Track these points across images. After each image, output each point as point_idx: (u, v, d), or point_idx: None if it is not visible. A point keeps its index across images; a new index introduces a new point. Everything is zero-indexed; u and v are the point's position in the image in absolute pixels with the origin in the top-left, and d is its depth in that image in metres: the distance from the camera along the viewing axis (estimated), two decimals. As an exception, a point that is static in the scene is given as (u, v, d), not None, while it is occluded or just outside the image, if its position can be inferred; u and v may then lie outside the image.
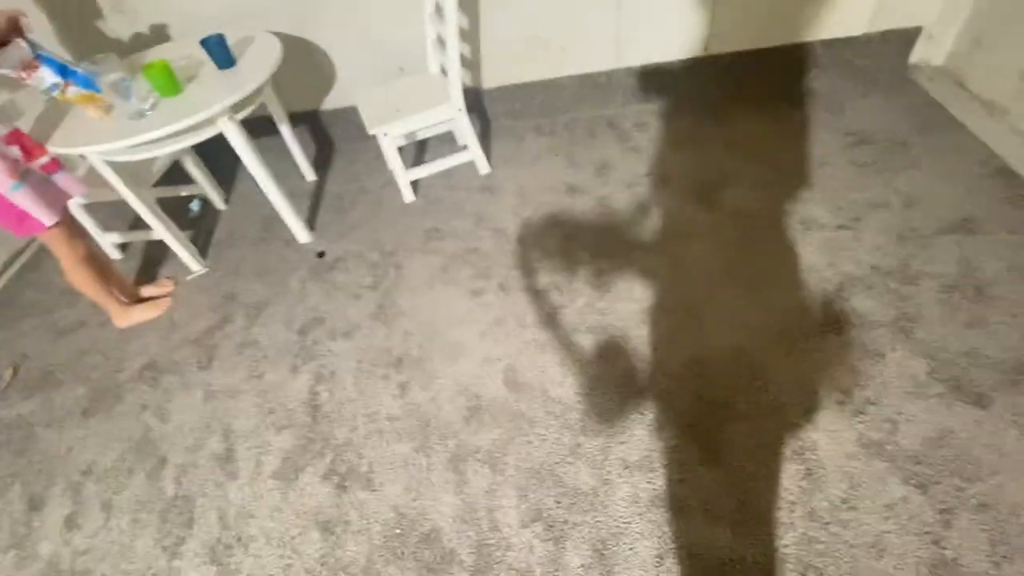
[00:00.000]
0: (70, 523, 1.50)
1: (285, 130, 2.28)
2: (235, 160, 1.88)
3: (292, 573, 1.30)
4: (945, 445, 1.22)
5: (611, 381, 1.49)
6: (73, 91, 1.61)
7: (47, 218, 1.57)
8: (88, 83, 1.62)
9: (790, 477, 1.23)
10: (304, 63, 2.35)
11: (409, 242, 2.07)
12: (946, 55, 2.09)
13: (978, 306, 1.44)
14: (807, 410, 1.33)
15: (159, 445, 1.62)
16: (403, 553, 1.28)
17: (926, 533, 1.11)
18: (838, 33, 2.17)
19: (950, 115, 1.99)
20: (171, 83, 1.69)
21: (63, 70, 1.58)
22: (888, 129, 2.01)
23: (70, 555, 1.44)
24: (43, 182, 1.58)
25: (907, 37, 2.16)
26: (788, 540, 1.15)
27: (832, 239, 1.69)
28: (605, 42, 2.25)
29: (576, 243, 1.89)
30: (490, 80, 2.43)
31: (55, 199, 1.60)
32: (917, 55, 2.18)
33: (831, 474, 1.22)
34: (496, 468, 1.38)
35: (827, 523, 1.16)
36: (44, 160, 1.60)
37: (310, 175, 2.48)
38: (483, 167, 2.28)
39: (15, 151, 1.51)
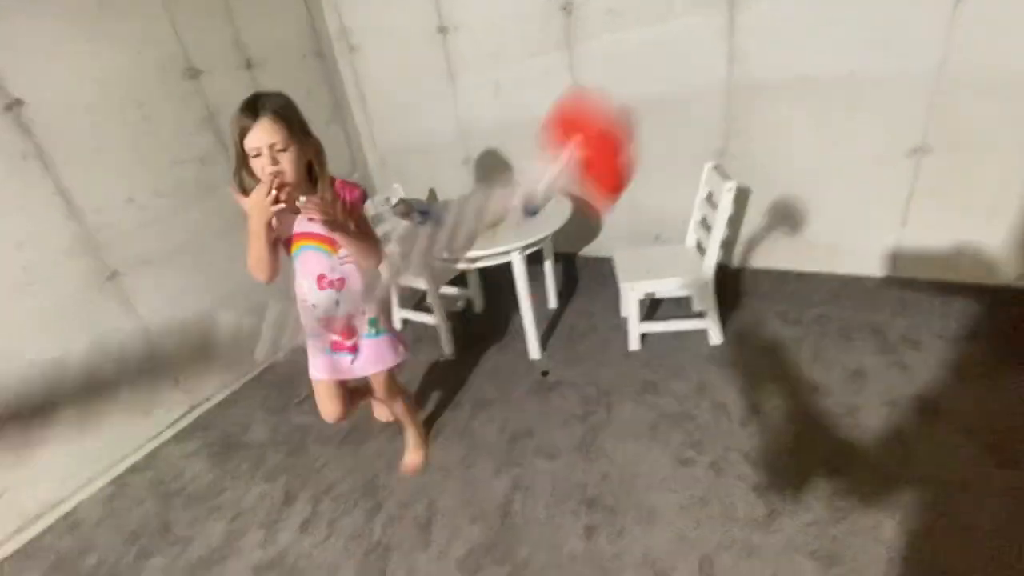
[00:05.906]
0: (304, 527, 1.86)
1: (547, 265, 2.74)
2: (498, 276, 2.32)
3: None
4: None
5: (832, 630, 1.25)
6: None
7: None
8: None
9: None
10: (579, 217, 2.84)
11: (625, 387, 2.17)
12: None
13: None
14: None
15: (381, 491, 1.93)
16: None
17: None
18: None
19: None
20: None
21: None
22: None
23: (296, 554, 1.76)
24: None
25: None
26: None
27: None
28: (882, 249, 2.18)
29: (811, 450, 1.72)
30: (741, 259, 2.53)
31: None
32: None
33: None
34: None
35: None
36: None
37: (552, 303, 2.86)
38: (716, 337, 2.31)
39: None
